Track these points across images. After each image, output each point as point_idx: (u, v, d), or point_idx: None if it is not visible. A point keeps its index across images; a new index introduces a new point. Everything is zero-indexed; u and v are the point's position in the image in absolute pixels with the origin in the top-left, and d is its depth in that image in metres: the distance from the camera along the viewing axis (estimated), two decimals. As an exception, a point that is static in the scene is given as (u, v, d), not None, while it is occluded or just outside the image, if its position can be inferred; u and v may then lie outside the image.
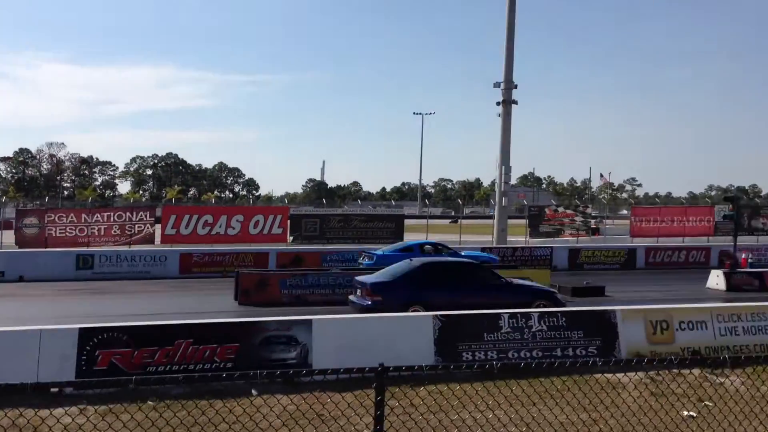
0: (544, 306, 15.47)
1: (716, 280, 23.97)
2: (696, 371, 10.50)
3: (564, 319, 12.58)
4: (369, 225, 33.46)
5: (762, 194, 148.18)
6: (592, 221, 41.04)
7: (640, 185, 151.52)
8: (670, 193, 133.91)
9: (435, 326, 11.97)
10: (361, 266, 23.97)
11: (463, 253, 25.38)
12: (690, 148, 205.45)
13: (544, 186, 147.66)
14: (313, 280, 19.99)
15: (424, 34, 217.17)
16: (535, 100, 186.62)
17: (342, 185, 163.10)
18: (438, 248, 25.12)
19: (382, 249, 25.61)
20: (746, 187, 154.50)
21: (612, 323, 12.76)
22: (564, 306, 15.81)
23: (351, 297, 17.02)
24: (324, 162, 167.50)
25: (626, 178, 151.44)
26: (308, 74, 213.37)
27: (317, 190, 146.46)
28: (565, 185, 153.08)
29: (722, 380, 10.28)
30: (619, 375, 10.49)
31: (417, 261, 17.94)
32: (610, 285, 23.21)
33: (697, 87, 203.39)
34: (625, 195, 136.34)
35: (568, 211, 37.55)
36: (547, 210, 37.57)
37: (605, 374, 10.39)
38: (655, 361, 9.04)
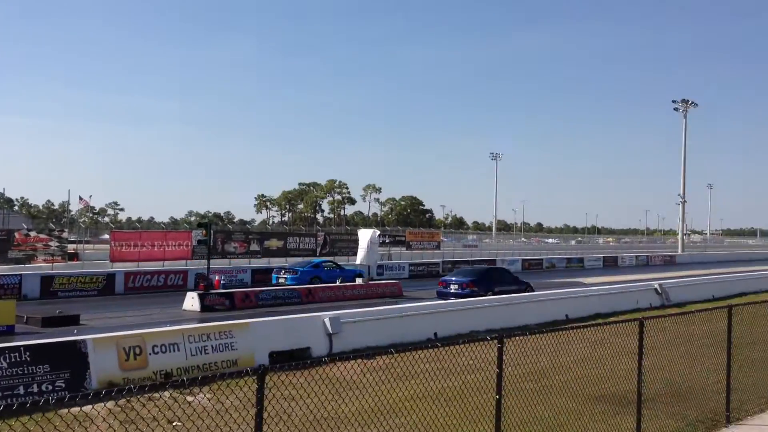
0: (527, 291, 26.72)
1: (191, 301, 24.97)
2: (168, 393, 10.49)
3: (28, 354, 11.30)
4: None
5: (235, 221, 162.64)
6: (70, 246, 38.84)
7: (122, 209, 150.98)
8: (152, 218, 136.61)
9: None
10: (283, 281, 32.00)
11: (345, 265, 36.72)
12: (173, 175, 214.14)
13: (16, 208, 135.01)
14: None
15: None
16: (8, 117, 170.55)
17: None
18: (330, 264, 35.41)
19: (300, 267, 33.47)
20: (222, 214, 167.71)
21: (83, 353, 11.98)
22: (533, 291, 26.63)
23: (442, 290, 26.79)
24: None
25: (108, 202, 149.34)
26: None
27: None
28: (42, 207, 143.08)
29: (191, 399, 10.50)
30: (88, 407, 9.84)
31: (483, 266, 32.96)
32: (88, 312, 22.19)
33: (184, 118, 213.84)
34: (107, 219, 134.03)
35: (42, 236, 34.72)
36: (17, 234, 34.12)
37: (73, 408, 9.60)
38: (124, 389, 8.67)
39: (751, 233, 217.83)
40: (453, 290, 26.15)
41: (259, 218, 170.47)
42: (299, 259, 39.88)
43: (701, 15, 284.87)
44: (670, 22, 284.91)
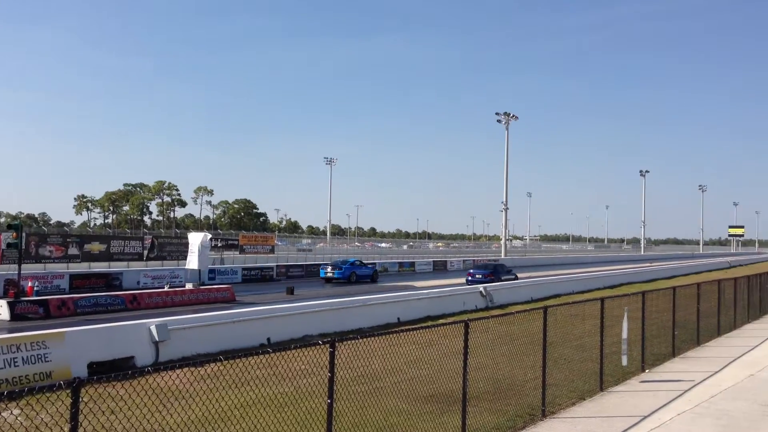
0: (516, 278, 40.73)
1: (-1, 310, 22.88)
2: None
3: None
4: None
5: (51, 222, 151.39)
6: None
7: None
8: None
9: None
10: (330, 275, 43.24)
11: (367, 263, 48.71)
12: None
13: None
14: None
15: None
16: None
17: None
18: (358, 262, 46.92)
19: (345, 263, 45.00)
20: (36, 215, 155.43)
21: None
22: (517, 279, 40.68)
23: (470, 279, 40.05)
24: None
25: None
26: None
27: None
28: None
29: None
30: None
31: (493, 263, 48.32)
32: None
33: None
34: None
35: None
36: None
37: None
38: None
39: (565, 239, 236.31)
40: (478, 278, 39.20)
41: (79, 220, 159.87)
42: (174, 264, 44.20)
43: (523, 33, 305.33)
44: (497, 40, 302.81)
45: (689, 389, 13.28)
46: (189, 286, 30.84)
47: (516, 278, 40.91)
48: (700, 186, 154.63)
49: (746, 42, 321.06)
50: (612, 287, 41.22)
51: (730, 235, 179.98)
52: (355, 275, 43.85)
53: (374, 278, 46.01)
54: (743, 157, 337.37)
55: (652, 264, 77.24)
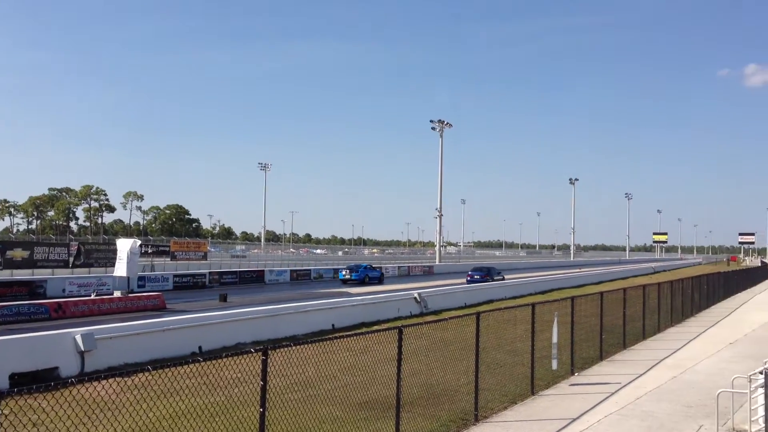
0: (503, 279, 49.19)
1: None
2: None
3: None
4: None
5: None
6: None
7: None
8: None
9: None
10: (348, 277, 49.08)
11: (375, 266, 55.35)
12: None
13: None
14: None
15: None
16: None
17: None
18: (370, 266, 53.20)
19: (359, 267, 50.97)
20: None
21: None
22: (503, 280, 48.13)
23: (468, 278, 48.56)
24: None
25: None
26: None
27: None
28: None
29: None
30: None
31: (486, 265, 59.07)
32: None
33: None
34: None
35: None
36: None
37: None
38: None
39: (498, 245, 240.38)
40: (477, 278, 47.46)
41: (0, 226, 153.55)
42: (102, 271, 40.04)
43: (458, 42, 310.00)
44: (431, 48, 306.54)
45: (616, 391, 13.66)
46: (117, 293, 29.96)
47: (503, 279, 49.36)
48: (626, 194, 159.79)
49: (669, 51, 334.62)
50: (543, 293, 42.07)
51: (654, 242, 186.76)
52: (368, 277, 50.03)
53: (381, 280, 51.71)
54: (666, 165, 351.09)
55: (581, 270, 79.28)
